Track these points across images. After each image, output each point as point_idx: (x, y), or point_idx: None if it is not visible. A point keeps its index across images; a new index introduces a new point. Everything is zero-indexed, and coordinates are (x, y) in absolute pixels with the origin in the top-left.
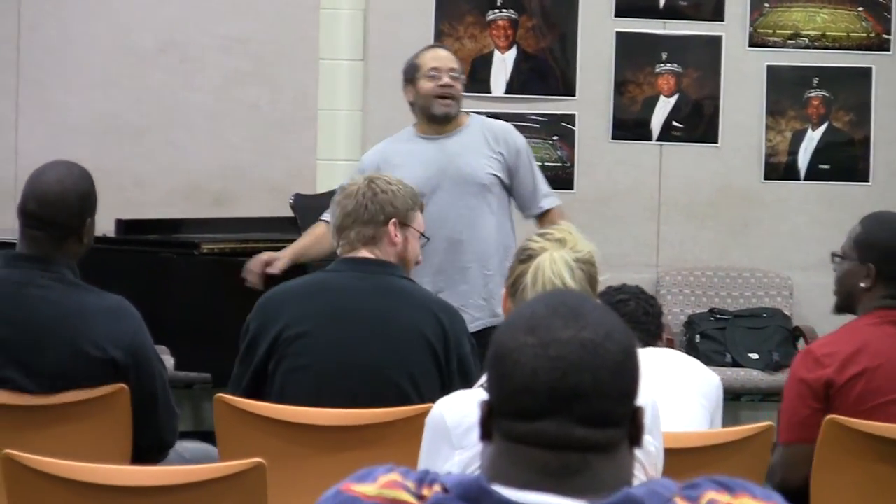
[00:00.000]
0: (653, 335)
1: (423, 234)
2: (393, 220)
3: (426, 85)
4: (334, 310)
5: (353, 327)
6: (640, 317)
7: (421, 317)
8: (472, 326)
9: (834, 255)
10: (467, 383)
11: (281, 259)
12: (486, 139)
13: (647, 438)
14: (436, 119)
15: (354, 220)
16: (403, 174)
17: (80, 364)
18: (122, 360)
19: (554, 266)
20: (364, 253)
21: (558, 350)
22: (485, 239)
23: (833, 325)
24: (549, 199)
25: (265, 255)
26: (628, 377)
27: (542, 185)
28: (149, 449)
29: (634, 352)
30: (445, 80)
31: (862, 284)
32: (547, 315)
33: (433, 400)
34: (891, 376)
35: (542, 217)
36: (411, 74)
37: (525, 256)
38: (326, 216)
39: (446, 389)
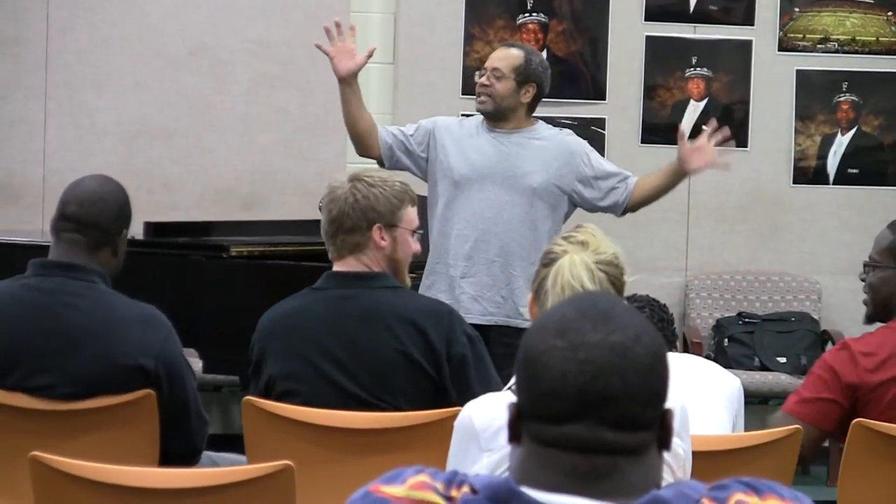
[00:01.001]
0: (669, 342)
1: (415, 231)
2: (377, 225)
3: (477, 79)
4: (318, 348)
5: (338, 363)
6: (654, 324)
7: (404, 335)
8: (484, 320)
9: (866, 264)
10: (477, 374)
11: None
12: (550, 148)
13: (676, 441)
14: (484, 118)
15: (338, 228)
16: (457, 155)
17: (111, 372)
18: (153, 369)
19: (573, 269)
20: (351, 262)
21: (587, 353)
22: (518, 240)
23: (862, 330)
24: (631, 180)
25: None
26: (657, 380)
27: (614, 172)
28: (179, 456)
29: (664, 354)
30: (482, 79)
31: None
32: (576, 318)
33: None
34: None
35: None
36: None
37: (548, 260)
38: (388, 127)
39: (444, 394)
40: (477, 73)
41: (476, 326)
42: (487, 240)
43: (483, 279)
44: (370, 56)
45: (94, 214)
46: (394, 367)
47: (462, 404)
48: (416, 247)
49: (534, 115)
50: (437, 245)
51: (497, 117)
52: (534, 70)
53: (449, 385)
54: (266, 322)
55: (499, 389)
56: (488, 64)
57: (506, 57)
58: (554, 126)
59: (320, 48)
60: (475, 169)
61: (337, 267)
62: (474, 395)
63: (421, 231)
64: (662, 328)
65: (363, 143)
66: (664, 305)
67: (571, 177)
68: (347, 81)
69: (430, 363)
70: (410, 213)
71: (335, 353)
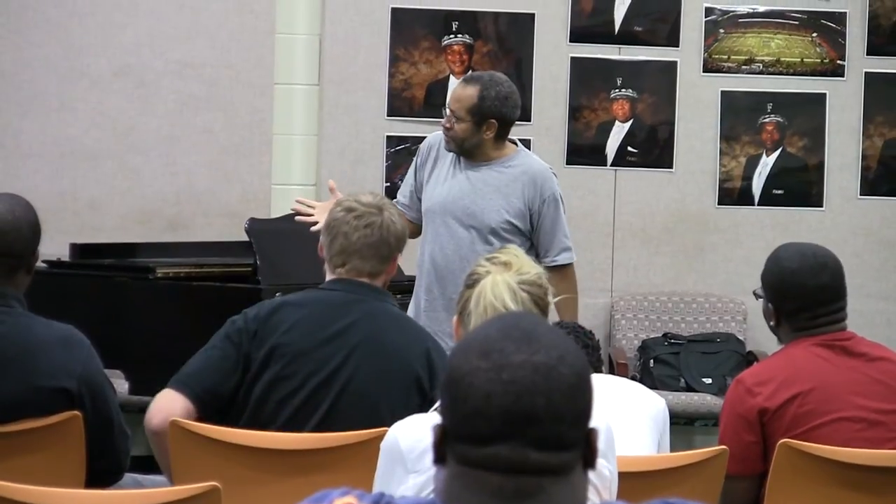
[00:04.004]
0: (594, 368)
1: None
2: (397, 254)
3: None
4: (327, 328)
5: (345, 349)
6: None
7: (413, 347)
8: None
9: (755, 293)
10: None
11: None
12: (515, 180)
13: (602, 462)
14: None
15: (365, 250)
16: (429, 187)
17: (33, 395)
18: (76, 390)
19: (496, 289)
20: (364, 280)
21: (511, 374)
22: None
23: None
24: (565, 254)
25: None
26: (582, 400)
27: (562, 237)
28: (105, 472)
29: (587, 375)
30: (444, 120)
31: (771, 323)
32: (500, 338)
33: None
34: (824, 398)
35: (554, 271)
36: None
37: (471, 281)
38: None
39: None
40: (443, 109)
41: None
42: (445, 276)
43: (440, 314)
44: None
45: (7, 244)
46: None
47: None
48: None
49: (512, 139)
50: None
51: (465, 154)
52: (489, 107)
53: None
54: (269, 306)
55: None
56: (449, 103)
57: (460, 98)
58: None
59: (300, 212)
60: (439, 203)
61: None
62: None
63: None
64: (587, 354)
65: None
66: (590, 332)
67: (526, 207)
68: None
69: (427, 383)
70: None
71: (346, 337)
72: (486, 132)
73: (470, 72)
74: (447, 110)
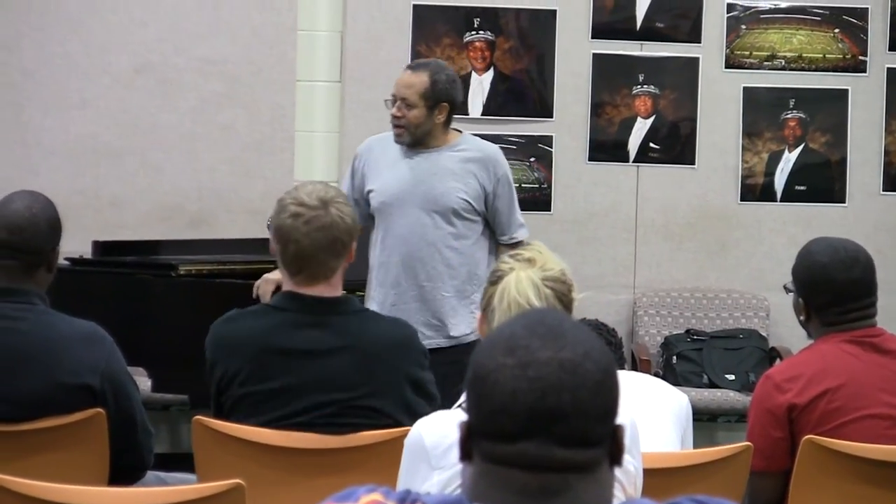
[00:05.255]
0: (619, 361)
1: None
2: (353, 244)
3: (389, 109)
4: (290, 373)
5: (311, 387)
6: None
7: (375, 365)
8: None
9: (785, 287)
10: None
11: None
12: (468, 163)
13: (627, 458)
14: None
15: (329, 254)
16: (376, 182)
17: (56, 392)
18: (98, 386)
19: (519, 286)
20: (321, 288)
21: (537, 371)
22: (444, 261)
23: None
24: (522, 230)
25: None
26: (608, 396)
27: (517, 215)
28: (128, 469)
29: (613, 371)
30: (394, 109)
31: (801, 317)
32: (525, 335)
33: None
34: (853, 395)
35: (514, 247)
36: None
37: (495, 278)
38: None
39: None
40: (386, 101)
41: None
42: (414, 265)
43: (413, 305)
44: None
45: (25, 240)
46: (355, 397)
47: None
48: None
49: (454, 127)
50: (369, 271)
51: (417, 143)
52: (441, 89)
53: (406, 415)
54: (221, 338)
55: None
56: (397, 92)
57: (411, 84)
58: (500, 144)
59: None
60: (394, 194)
61: (301, 289)
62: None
63: None
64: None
65: None
66: (612, 329)
67: (482, 188)
68: None
69: (396, 402)
70: None
71: (307, 379)
72: (437, 116)
73: (491, 69)
74: (393, 101)
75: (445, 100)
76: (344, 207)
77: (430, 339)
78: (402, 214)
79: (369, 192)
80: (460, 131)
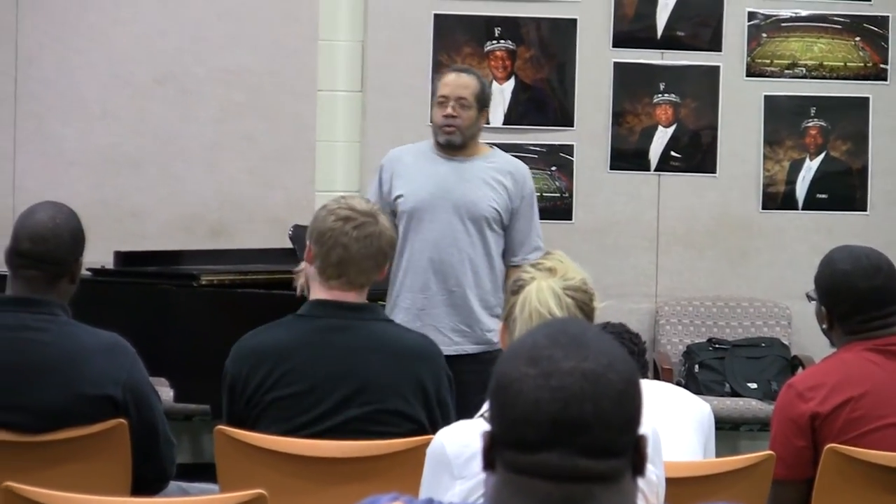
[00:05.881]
0: (641, 368)
1: None
2: (390, 260)
3: (435, 111)
4: (311, 374)
5: (331, 393)
6: (631, 349)
7: (398, 370)
8: (450, 350)
9: (807, 295)
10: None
11: None
12: (499, 174)
13: (649, 467)
14: (441, 146)
15: (363, 262)
16: (407, 187)
17: (79, 403)
18: (120, 397)
19: (541, 295)
20: (352, 295)
21: (560, 381)
22: (473, 268)
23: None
24: (535, 254)
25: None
26: (630, 406)
27: (534, 238)
28: (151, 480)
29: (636, 381)
30: (449, 109)
31: (823, 326)
32: (548, 345)
33: None
34: (875, 403)
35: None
36: (432, 96)
37: (516, 287)
38: None
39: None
40: (437, 103)
41: None
42: (444, 270)
43: (443, 310)
44: None
45: (49, 251)
46: (385, 399)
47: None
48: None
49: (485, 142)
50: (395, 277)
51: (455, 147)
52: (487, 94)
53: (426, 422)
54: (247, 350)
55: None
56: (451, 92)
57: (467, 85)
58: (521, 153)
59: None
60: (427, 199)
61: (332, 295)
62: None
63: None
64: (635, 359)
65: None
66: (637, 335)
67: (510, 200)
68: None
69: (421, 407)
70: None
71: (328, 384)
72: (481, 121)
73: (512, 78)
74: (450, 101)
75: (487, 105)
76: (389, 220)
77: (457, 346)
78: (433, 219)
79: (397, 197)
80: (491, 146)
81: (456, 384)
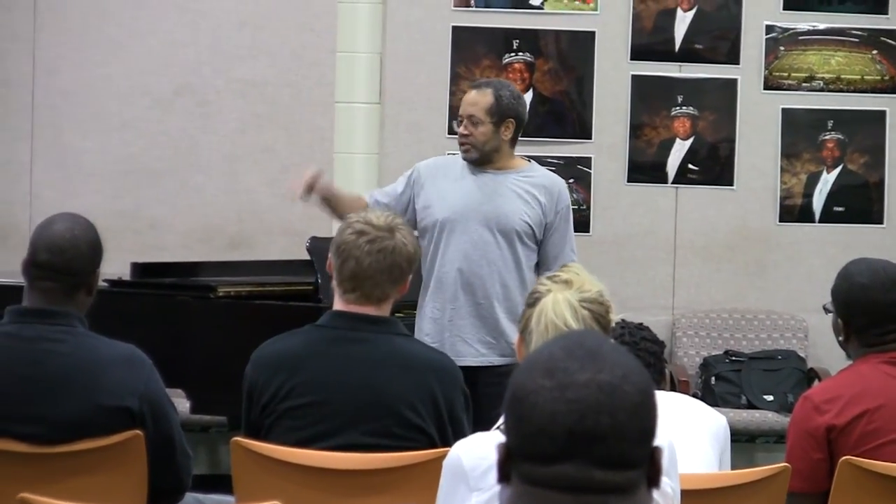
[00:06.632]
0: (658, 372)
1: None
2: (409, 275)
3: (457, 129)
4: (324, 385)
5: (343, 405)
6: (644, 357)
7: (412, 385)
8: (475, 361)
9: (824, 307)
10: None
11: (322, 188)
12: (534, 188)
13: (665, 479)
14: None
15: (377, 276)
16: (439, 198)
17: (95, 414)
18: (137, 408)
19: (557, 308)
20: (368, 310)
21: (576, 393)
22: (503, 281)
23: None
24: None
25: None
26: (646, 418)
27: (570, 254)
28: (167, 491)
29: (652, 392)
30: (461, 128)
31: (840, 338)
32: (564, 357)
33: None
34: (891, 416)
35: None
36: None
37: (532, 300)
38: (375, 196)
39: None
40: (455, 121)
41: (466, 369)
42: (473, 283)
43: (470, 321)
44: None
45: (66, 262)
46: (398, 412)
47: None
48: None
49: (523, 155)
50: (425, 287)
51: (483, 161)
52: (507, 105)
53: (437, 439)
54: (265, 357)
55: None
56: (462, 111)
57: (476, 101)
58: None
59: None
60: (459, 210)
61: (350, 308)
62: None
63: None
64: (654, 361)
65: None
66: (655, 337)
67: (544, 215)
68: (325, 198)
69: (432, 421)
70: None
71: (341, 396)
72: (504, 133)
73: (530, 90)
74: (460, 121)
75: (511, 115)
76: (409, 236)
77: (482, 357)
78: (464, 231)
79: (424, 208)
80: (529, 160)
81: (480, 396)
